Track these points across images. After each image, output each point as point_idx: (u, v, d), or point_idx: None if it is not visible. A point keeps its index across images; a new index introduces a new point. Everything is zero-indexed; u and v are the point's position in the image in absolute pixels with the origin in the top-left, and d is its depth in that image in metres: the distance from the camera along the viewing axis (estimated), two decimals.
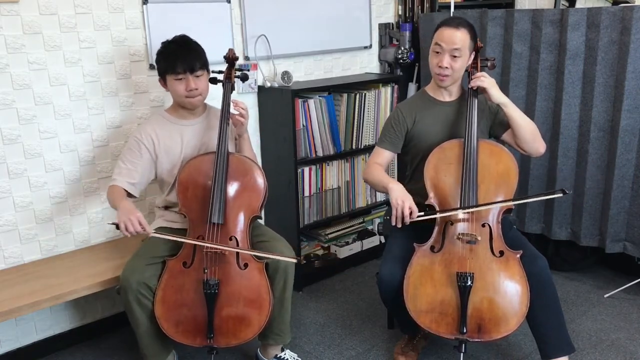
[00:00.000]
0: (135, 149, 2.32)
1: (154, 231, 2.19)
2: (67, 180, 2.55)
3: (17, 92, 2.36)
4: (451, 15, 3.25)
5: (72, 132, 2.53)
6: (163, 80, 2.32)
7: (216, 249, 2.16)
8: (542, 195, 2.11)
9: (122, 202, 2.17)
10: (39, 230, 2.52)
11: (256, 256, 2.22)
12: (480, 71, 2.33)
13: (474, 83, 2.27)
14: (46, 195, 2.51)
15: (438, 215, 2.19)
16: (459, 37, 2.23)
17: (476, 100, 2.28)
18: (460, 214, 2.19)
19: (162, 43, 2.31)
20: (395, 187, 2.20)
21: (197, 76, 2.27)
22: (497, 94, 2.27)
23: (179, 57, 2.24)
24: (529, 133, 2.31)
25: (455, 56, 2.25)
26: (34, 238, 2.51)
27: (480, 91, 2.29)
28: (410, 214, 2.12)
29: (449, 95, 2.40)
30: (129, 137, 2.38)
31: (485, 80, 2.26)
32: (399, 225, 2.14)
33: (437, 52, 2.27)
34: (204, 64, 2.30)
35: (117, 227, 2.09)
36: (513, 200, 2.23)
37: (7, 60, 2.31)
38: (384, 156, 2.42)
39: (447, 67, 2.25)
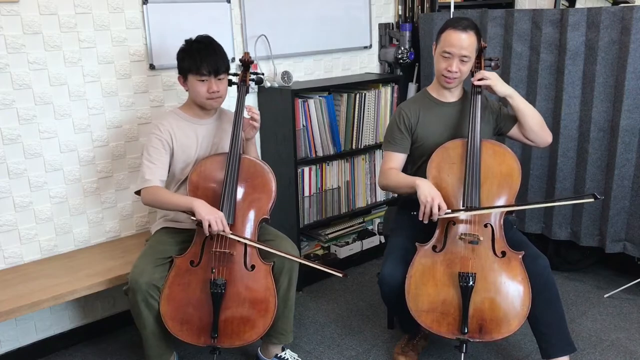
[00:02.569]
0: (159, 147, 2.28)
1: (231, 232, 2.16)
2: (67, 180, 2.55)
3: (17, 92, 2.36)
4: (451, 15, 3.25)
5: (72, 132, 2.52)
6: (184, 78, 2.31)
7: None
8: (571, 199, 2.11)
9: (195, 199, 2.15)
10: (39, 230, 2.51)
11: (262, 257, 2.22)
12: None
13: (480, 83, 2.27)
14: (46, 195, 2.51)
15: (465, 213, 2.17)
16: (468, 42, 2.22)
17: (480, 98, 2.28)
18: (463, 215, 2.19)
19: (186, 41, 2.29)
20: (422, 183, 2.19)
21: (220, 79, 2.27)
22: (502, 88, 2.28)
23: (204, 58, 2.22)
24: (537, 122, 2.32)
25: (464, 61, 2.25)
26: (34, 238, 2.51)
27: (485, 88, 2.29)
28: (439, 210, 2.12)
29: (451, 96, 2.39)
30: (148, 134, 2.33)
31: (489, 78, 2.26)
32: (426, 222, 2.15)
33: (446, 57, 2.26)
34: (227, 68, 2.30)
35: (198, 224, 2.10)
36: (543, 202, 2.20)
37: (7, 60, 2.31)
38: (397, 159, 2.39)
39: (456, 72, 2.25)
